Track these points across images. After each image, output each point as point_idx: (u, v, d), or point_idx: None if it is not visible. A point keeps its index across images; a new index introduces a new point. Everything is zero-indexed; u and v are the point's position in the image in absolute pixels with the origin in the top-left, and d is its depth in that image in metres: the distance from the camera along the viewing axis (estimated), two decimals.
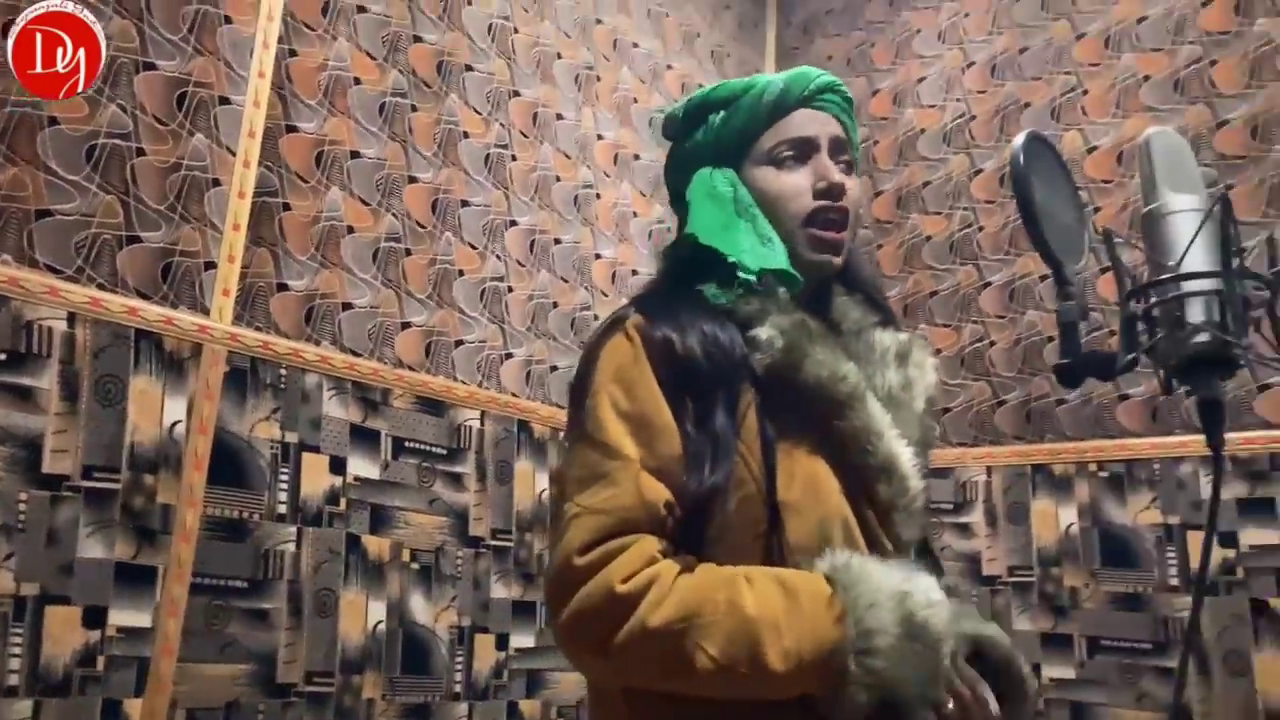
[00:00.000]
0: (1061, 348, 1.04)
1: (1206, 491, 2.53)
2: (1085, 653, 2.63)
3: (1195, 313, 0.95)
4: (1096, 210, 2.82)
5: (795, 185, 1.21)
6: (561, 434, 2.71)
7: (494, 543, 2.52)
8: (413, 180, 2.49)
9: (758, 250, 1.16)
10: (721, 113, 1.25)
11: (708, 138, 1.26)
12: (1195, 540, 2.55)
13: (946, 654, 1.00)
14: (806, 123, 1.23)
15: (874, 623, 0.97)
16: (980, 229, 3.12)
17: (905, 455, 1.13)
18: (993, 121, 3.19)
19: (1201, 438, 0.97)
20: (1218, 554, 2.46)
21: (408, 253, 2.45)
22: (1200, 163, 1.10)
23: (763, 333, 1.10)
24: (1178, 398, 2.56)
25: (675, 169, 1.32)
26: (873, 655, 0.96)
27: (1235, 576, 2.44)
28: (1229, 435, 2.37)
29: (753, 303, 1.13)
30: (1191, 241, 0.96)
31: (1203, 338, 0.94)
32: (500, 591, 2.51)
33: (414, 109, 2.51)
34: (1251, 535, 2.43)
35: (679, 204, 1.30)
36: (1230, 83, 2.73)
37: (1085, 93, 3.00)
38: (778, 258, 1.16)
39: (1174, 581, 2.54)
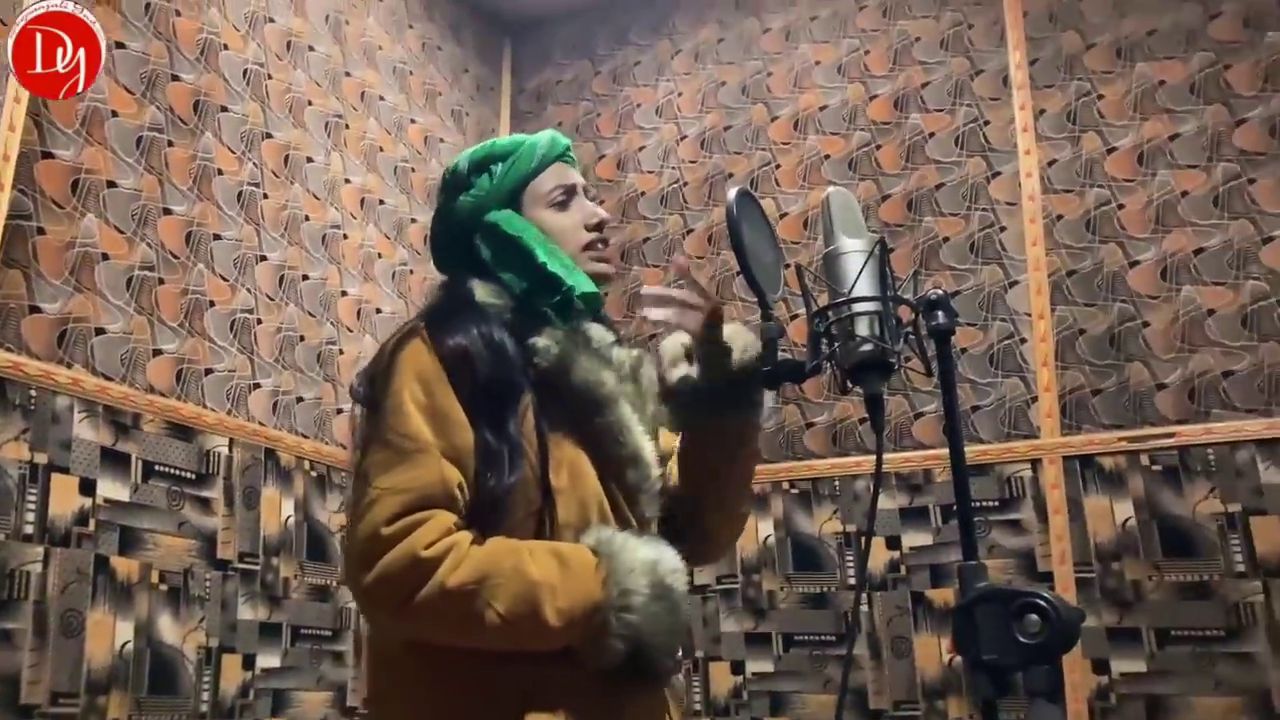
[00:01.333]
0: (763, 358, 1.34)
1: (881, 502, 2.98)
2: (781, 648, 3.02)
3: (862, 328, 1.24)
4: (788, 267, 3.28)
5: (573, 222, 1.46)
6: (336, 468, 2.81)
7: (241, 566, 2.58)
8: (168, 212, 2.55)
9: (575, 275, 1.39)
10: (501, 164, 1.46)
11: (493, 184, 1.44)
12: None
13: (685, 612, 1.26)
14: (565, 172, 1.49)
15: (630, 585, 1.20)
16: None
17: (649, 447, 1.39)
18: (702, 188, 3.62)
19: (872, 457, 1.29)
20: (886, 555, 2.93)
21: (161, 282, 2.50)
22: (869, 229, 1.44)
23: (540, 341, 1.32)
24: (852, 425, 3.03)
25: (458, 217, 1.45)
26: (629, 612, 1.19)
27: (899, 574, 2.91)
28: (894, 455, 2.88)
29: (530, 316, 1.35)
30: (859, 274, 1.28)
31: (868, 347, 1.23)
32: (247, 613, 2.58)
33: (170, 144, 2.58)
34: (912, 538, 2.91)
35: (457, 248, 1.45)
36: (892, 164, 3.29)
37: (778, 167, 3.49)
38: (586, 282, 1.40)
39: (852, 580, 2.98)
